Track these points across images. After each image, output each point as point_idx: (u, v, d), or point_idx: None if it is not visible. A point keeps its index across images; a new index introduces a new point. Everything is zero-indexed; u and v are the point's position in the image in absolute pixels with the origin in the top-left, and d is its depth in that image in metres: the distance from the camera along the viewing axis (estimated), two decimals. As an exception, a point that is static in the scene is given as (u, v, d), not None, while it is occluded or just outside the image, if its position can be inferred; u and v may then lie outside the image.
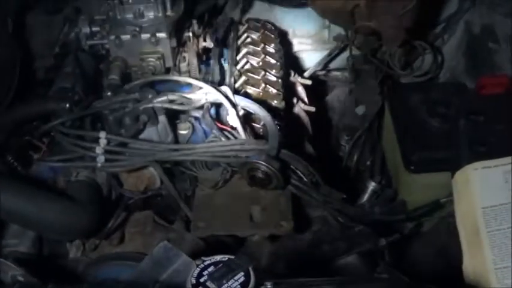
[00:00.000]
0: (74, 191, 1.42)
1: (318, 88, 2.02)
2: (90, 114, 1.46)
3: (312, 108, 1.81)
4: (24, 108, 1.54)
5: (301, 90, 1.85)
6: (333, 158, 2.02)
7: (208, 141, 1.45)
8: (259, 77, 1.62)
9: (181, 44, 1.66)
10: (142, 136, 1.46)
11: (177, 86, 1.53)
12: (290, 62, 1.90)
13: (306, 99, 1.83)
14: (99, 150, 1.40)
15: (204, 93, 1.45)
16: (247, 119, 1.46)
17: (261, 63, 1.68)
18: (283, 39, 1.93)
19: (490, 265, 1.22)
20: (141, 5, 1.57)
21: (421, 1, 1.68)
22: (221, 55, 1.71)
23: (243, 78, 1.60)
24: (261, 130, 1.47)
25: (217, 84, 1.52)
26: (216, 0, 1.94)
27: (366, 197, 1.71)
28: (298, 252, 1.43)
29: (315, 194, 1.45)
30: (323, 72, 2.14)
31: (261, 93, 1.58)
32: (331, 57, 2.09)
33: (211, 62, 1.67)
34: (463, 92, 1.73)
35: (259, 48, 1.73)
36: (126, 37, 1.57)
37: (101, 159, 1.40)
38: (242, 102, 1.45)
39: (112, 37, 1.57)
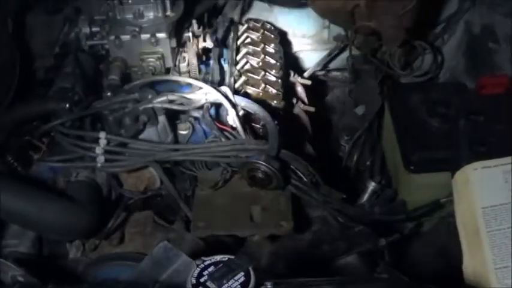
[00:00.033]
0: (73, 191, 1.42)
1: (317, 88, 2.02)
2: (90, 115, 1.46)
3: (312, 108, 1.81)
4: (24, 108, 1.54)
5: (301, 90, 1.84)
6: (333, 158, 2.02)
7: (208, 141, 1.45)
8: (259, 77, 1.62)
9: (181, 44, 1.66)
10: (142, 136, 1.46)
11: (177, 86, 1.53)
12: (290, 62, 1.90)
13: (305, 99, 1.82)
14: (99, 150, 1.40)
15: (203, 94, 1.45)
16: (247, 119, 1.46)
17: (260, 63, 1.68)
18: (283, 39, 1.93)
19: (490, 265, 1.22)
20: (140, 5, 1.57)
21: (421, 1, 1.68)
22: (221, 55, 1.71)
23: (243, 78, 1.60)
24: (261, 130, 1.47)
25: (217, 85, 1.52)
26: (216, 0, 1.94)
27: (365, 197, 1.71)
28: (298, 252, 1.43)
29: (314, 194, 1.45)
30: (323, 72, 2.14)
31: (260, 94, 1.58)
32: (331, 58, 2.09)
33: (211, 62, 1.67)
34: (463, 92, 1.73)
35: (259, 49, 1.73)
36: (126, 37, 1.57)
37: (100, 159, 1.40)
38: (242, 102, 1.45)
39: (112, 37, 1.57)
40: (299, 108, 1.78)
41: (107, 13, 1.62)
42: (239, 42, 1.77)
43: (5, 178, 1.39)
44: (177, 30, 1.64)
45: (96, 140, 1.41)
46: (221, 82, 1.58)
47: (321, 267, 1.40)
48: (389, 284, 1.12)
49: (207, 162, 1.44)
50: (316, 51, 2.12)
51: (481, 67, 1.91)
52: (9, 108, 1.56)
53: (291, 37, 2.10)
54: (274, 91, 1.61)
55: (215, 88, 1.45)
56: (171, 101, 1.44)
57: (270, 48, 1.76)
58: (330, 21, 2.01)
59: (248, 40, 1.77)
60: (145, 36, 1.56)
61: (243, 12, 2.01)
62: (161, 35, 1.56)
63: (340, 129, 2.08)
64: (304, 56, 2.14)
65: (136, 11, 1.57)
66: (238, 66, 1.66)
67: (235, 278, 0.95)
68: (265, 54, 1.71)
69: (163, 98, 1.43)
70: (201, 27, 1.72)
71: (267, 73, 1.65)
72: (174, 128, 1.52)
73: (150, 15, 1.58)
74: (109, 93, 1.47)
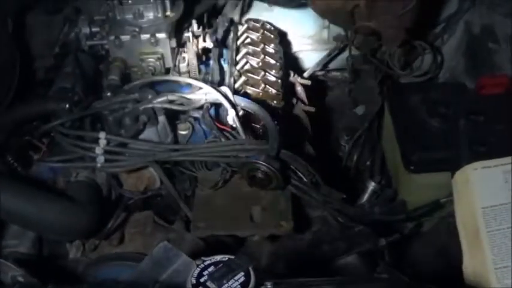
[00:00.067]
0: (73, 191, 1.42)
1: (317, 88, 2.02)
2: (90, 115, 1.46)
3: (312, 108, 1.81)
4: (24, 108, 1.53)
5: (300, 91, 1.84)
6: (333, 158, 2.01)
7: (208, 141, 1.45)
8: (258, 78, 1.62)
9: (181, 44, 1.66)
10: (142, 136, 1.46)
11: (177, 87, 1.53)
12: (290, 62, 1.90)
13: (305, 100, 1.82)
14: (98, 150, 1.40)
15: (203, 94, 1.45)
16: (247, 119, 1.46)
17: (260, 63, 1.68)
18: (282, 40, 1.93)
19: (490, 265, 1.23)
20: (140, 6, 1.57)
21: (421, 1, 1.68)
22: (221, 55, 1.71)
23: (243, 78, 1.60)
24: (261, 130, 1.47)
25: (216, 85, 1.52)
26: (216, 0, 1.94)
27: (365, 197, 1.71)
28: (298, 252, 1.43)
29: (314, 194, 1.45)
30: (322, 72, 2.14)
31: (260, 94, 1.58)
32: (330, 58, 2.09)
33: (211, 62, 1.67)
34: (463, 92, 1.73)
35: (258, 49, 1.73)
36: (125, 37, 1.57)
37: (100, 159, 1.40)
38: (242, 102, 1.45)
39: (112, 37, 1.57)
40: (299, 108, 1.78)
41: (106, 13, 1.62)
42: (239, 42, 1.77)
43: (5, 178, 1.39)
44: (177, 31, 1.64)
45: (96, 140, 1.41)
46: (221, 82, 1.58)
47: (321, 267, 1.40)
48: (389, 284, 1.12)
49: (206, 162, 1.44)
50: (316, 51, 2.12)
51: (480, 67, 1.91)
52: (9, 108, 1.56)
53: (291, 37, 2.10)
54: (274, 91, 1.61)
55: (215, 88, 1.45)
56: (171, 101, 1.44)
57: (270, 49, 1.76)
58: (330, 21, 2.01)
59: (248, 40, 1.77)
60: (145, 36, 1.56)
61: (243, 12, 2.01)
62: (161, 35, 1.56)
63: (340, 129, 2.08)
64: (304, 56, 2.14)
65: (136, 11, 1.57)
66: (238, 67, 1.66)
67: (235, 278, 0.95)
68: (265, 55, 1.71)
69: (163, 98, 1.43)
70: (201, 28, 1.72)
71: (266, 73, 1.65)
72: (174, 128, 1.52)
73: (150, 15, 1.58)
74: (109, 94, 1.47)
